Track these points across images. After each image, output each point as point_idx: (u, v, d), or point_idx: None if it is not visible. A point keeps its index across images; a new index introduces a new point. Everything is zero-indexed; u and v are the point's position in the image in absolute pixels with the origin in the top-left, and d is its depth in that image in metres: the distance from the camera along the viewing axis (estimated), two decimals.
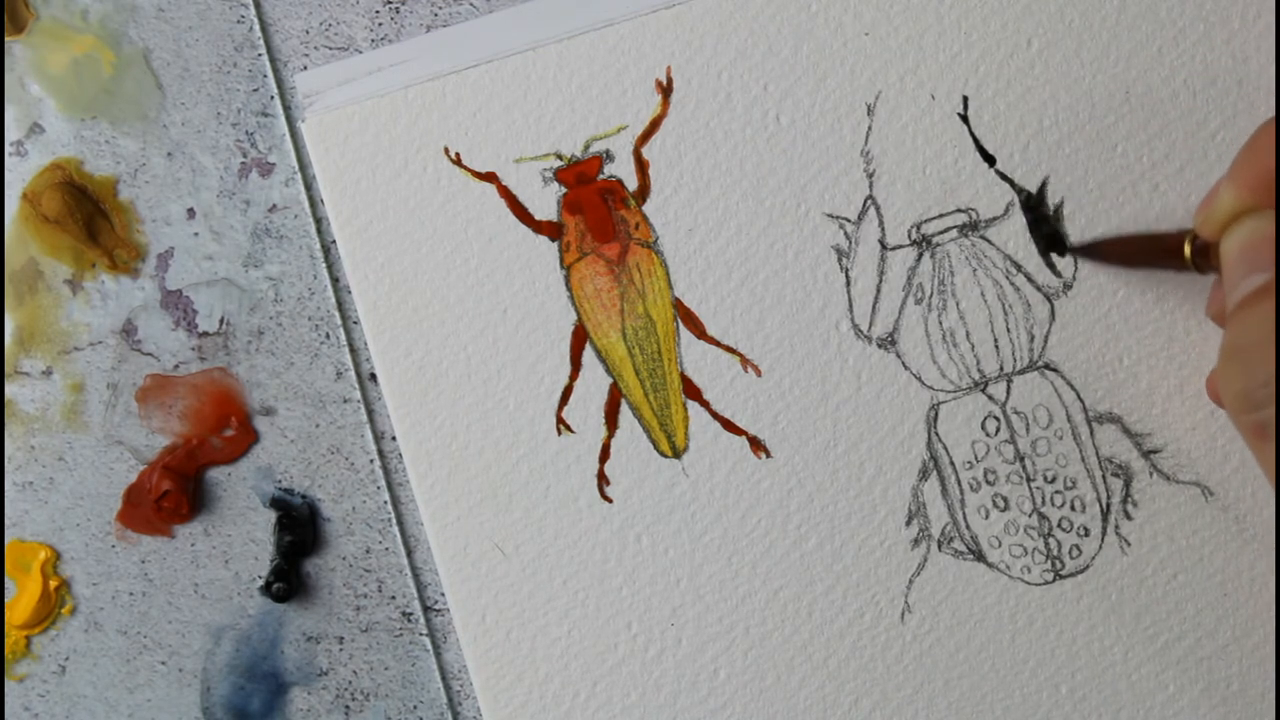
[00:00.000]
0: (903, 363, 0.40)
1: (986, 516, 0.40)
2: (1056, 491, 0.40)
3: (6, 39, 0.40)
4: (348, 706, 0.41)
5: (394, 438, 0.40)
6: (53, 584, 0.41)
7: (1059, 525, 0.40)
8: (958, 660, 0.40)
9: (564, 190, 0.39)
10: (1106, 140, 0.39)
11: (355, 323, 0.40)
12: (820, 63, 0.39)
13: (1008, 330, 0.39)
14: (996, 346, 0.40)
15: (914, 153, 0.39)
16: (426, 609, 0.41)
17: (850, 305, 0.39)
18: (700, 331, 0.40)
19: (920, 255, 0.39)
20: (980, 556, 0.40)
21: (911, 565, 0.40)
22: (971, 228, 0.39)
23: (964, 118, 0.39)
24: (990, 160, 0.39)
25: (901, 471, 0.40)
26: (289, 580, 0.40)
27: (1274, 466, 0.29)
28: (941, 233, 0.39)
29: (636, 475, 0.40)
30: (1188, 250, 0.35)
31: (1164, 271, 0.39)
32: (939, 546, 0.40)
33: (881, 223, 0.39)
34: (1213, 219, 0.33)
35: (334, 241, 0.40)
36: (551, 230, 0.39)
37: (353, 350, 0.40)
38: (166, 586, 0.41)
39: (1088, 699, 0.40)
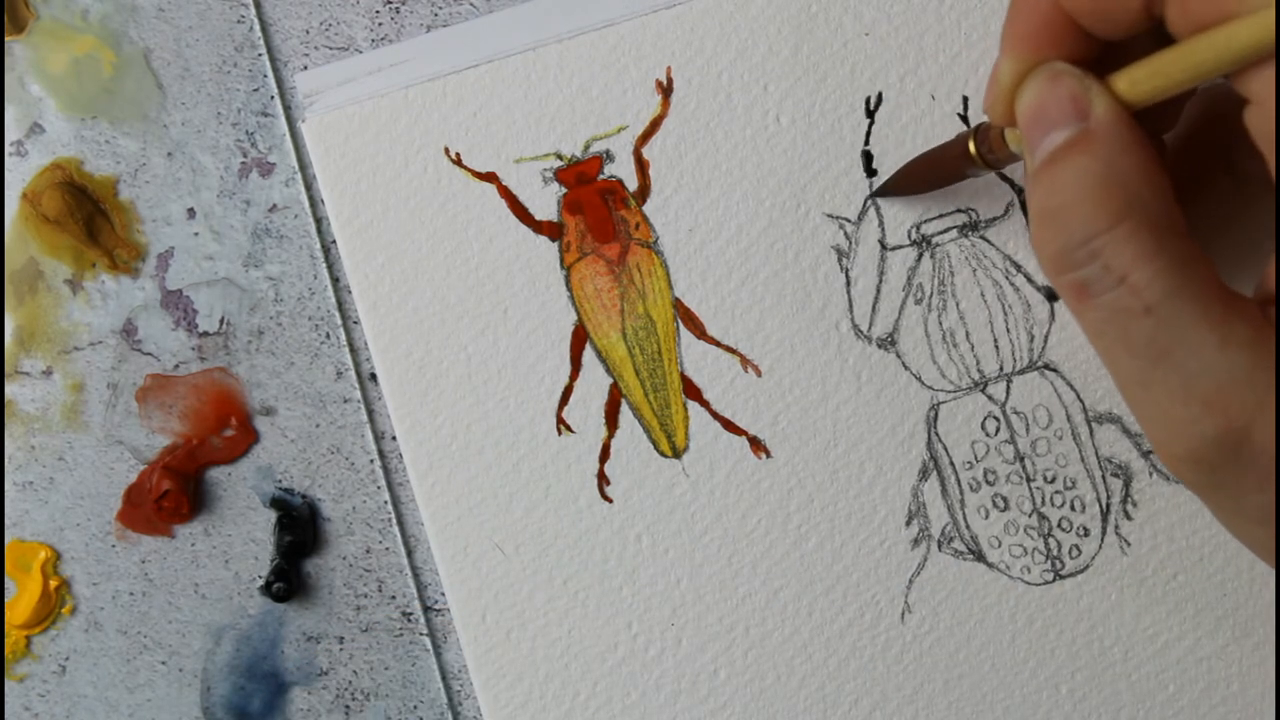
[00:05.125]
0: (903, 363, 0.40)
1: (986, 516, 0.40)
2: (1056, 491, 0.40)
3: (6, 39, 0.40)
4: (348, 706, 0.41)
5: (394, 438, 0.40)
6: (53, 584, 0.41)
7: (1059, 525, 0.40)
8: (958, 660, 0.40)
9: (564, 190, 0.39)
10: None
11: (355, 323, 0.40)
12: (820, 63, 0.39)
13: (1007, 330, 0.39)
14: (996, 347, 0.40)
15: (914, 153, 0.39)
16: (426, 609, 0.41)
17: (850, 305, 0.39)
18: (700, 331, 0.40)
19: (920, 255, 0.39)
20: (980, 556, 0.40)
21: (911, 565, 0.40)
22: (971, 228, 0.39)
23: (964, 118, 0.39)
24: None
25: (901, 471, 0.40)
26: (289, 580, 0.40)
27: (1094, 326, 0.29)
28: (941, 233, 0.39)
29: (636, 475, 0.40)
30: (973, 147, 0.34)
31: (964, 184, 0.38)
32: (939, 546, 0.40)
33: (881, 223, 0.39)
34: (1001, 98, 0.31)
35: (334, 241, 0.40)
36: (551, 230, 0.39)
37: (353, 350, 0.40)
38: (166, 586, 0.41)
39: (1088, 699, 0.40)
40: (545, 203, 0.39)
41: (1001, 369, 0.40)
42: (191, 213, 0.40)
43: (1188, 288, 0.27)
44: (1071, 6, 0.29)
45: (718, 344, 0.40)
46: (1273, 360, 0.27)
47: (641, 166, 0.39)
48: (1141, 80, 0.28)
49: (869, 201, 0.39)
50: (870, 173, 0.39)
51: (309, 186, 0.40)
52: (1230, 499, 0.29)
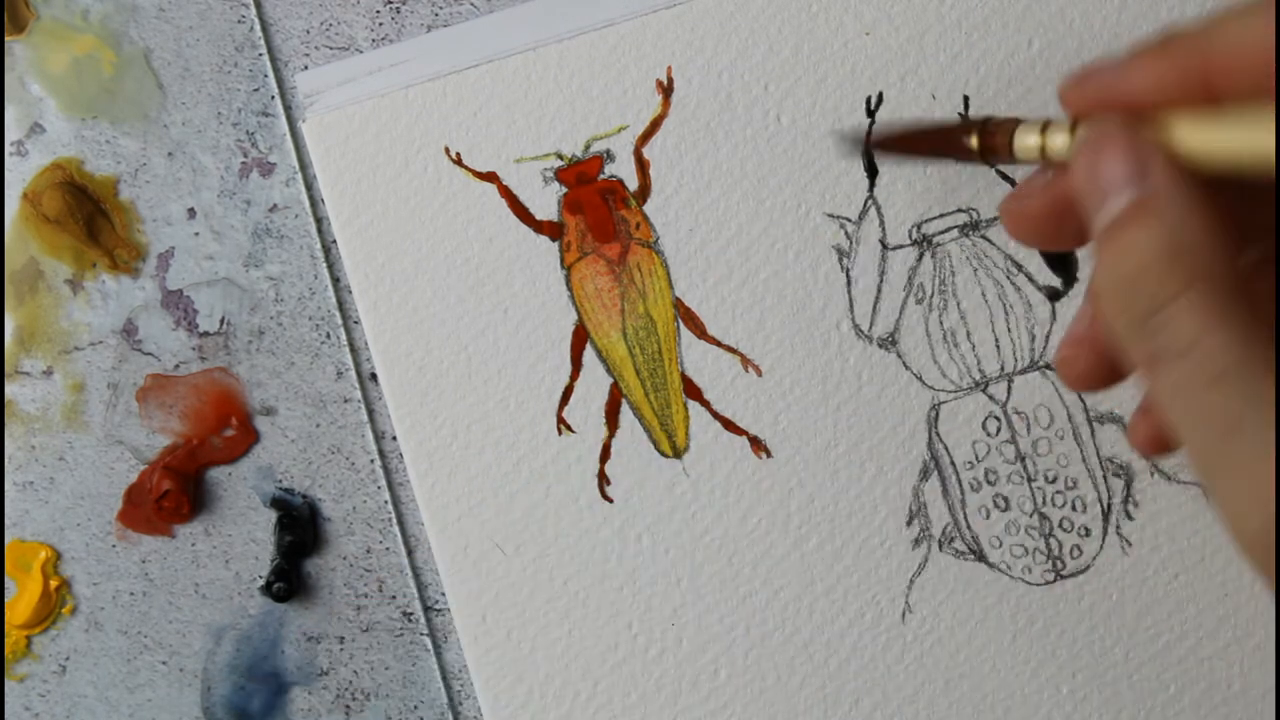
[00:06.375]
0: (903, 363, 0.40)
1: (987, 516, 0.40)
2: (1057, 491, 0.40)
3: (7, 39, 0.40)
4: (348, 706, 0.41)
5: (394, 437, 0.40)
6: (53, 584, 0.41)
7: (1060, 525, 0.40)
8: (958, 660, 0.40)
9: (564, 190, 0.39)
10: None
11: (356, 322, 0.40)
12: (820, 63, 0.39)
13: (1008, 330, 0.39)
14: (997, 346, 0.39)
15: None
16: (427, 609, 0.41)
17: (851, 305, 0.39)
18: (701, 331, 0.40)
19: (921, 255, 0.39)
20: (981, 557, 0.40)
21: (912, 565, 0.40)
22: (972, 227, 0.39)
23: (964, 117, 0.39)
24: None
25: (902, 471, 0.40)
26: (289, 580, 0.40)
27: (1165, 397, 0.27)
28: (942, 232, 0.39)
29: (637, 475, 0.40)
30: (975, 142, 0.32)
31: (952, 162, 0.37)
32: (940, 546, 0.40)
33: (882, 223, 0.39)
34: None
35: (334, 241, 0.40)
36: (552, 230, 0.39)
37: (353, 350, 0.40)
38: (167, 586, 0.41)
39: (1088, 699, 0.40)
40: (545, 202, 0.39)
41: (1003, 369, 0.40)
42: (192, 213, 0.40)
43: (1257, 357, 0.27)
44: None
45: (718, 344, 0.40)
46: None
47: (642, 166, 0.39)
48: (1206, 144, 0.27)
49: (869, 201, 0.39)
50: (871, 172, 0.39)
51: (309, 186, 0.40)
52: None
